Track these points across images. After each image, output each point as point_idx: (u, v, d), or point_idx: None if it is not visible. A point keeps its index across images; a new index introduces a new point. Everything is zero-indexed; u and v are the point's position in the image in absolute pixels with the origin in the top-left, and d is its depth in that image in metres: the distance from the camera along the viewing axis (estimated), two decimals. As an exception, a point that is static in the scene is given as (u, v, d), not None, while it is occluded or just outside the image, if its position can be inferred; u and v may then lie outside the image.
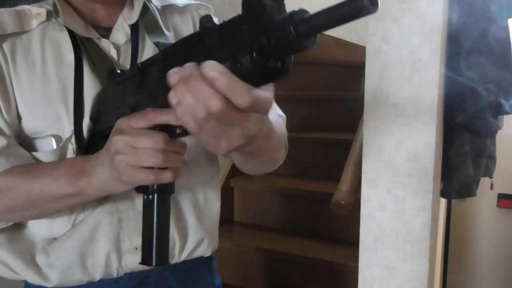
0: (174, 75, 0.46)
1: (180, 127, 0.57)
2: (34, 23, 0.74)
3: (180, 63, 0.49)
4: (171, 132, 0.57)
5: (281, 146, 0.76)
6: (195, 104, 0.43)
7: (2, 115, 0.71)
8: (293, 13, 0.41)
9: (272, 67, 0.43)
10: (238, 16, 0.45)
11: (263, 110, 0.45)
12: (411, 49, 0.89)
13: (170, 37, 0.79)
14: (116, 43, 0.76)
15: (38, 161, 0.72)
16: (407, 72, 0.90)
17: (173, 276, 0.81)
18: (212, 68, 0.42)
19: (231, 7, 1.99)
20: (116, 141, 0.56)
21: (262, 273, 2.02)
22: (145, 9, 0.79)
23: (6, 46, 0.72)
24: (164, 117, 0.54)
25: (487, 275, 2.32)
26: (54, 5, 0.75)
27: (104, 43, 0.75)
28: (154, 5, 0.81)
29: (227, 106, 0.42)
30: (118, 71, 0.67)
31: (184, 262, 0.81)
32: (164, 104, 0.53)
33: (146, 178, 0.57)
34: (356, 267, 1.01)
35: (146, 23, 0.78)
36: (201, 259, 0.85)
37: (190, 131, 0.46)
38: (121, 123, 0.57)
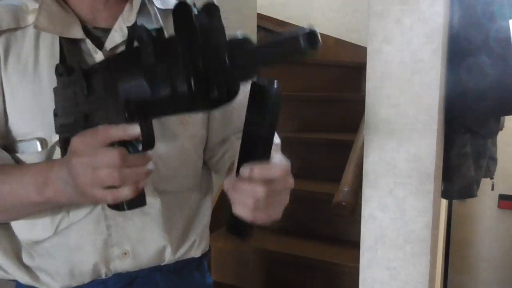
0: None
1: (138, 141, 0.55)
2: (30, 19, 0.70)
3: (120, 82, 0.48)
4: (131, 145, 0.55)
5: None
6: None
7: None
8: (232, 41, 0.40)
9: (213, 97, 0.42)
10: (173, 37, 0.43)
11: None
12: (412, 50, 0.89)
13: None
14: (105, 48, 0.72)
15: (20, 163, 0.70)
16: (408, 73, 0.90)
17: (163, 276, 0.80)
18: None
19: (232, 7, 1.99)
20: (75, 164, 0.55)
21: (262, 273, 2.02)
22: (144, 9, 0.76)
23: (0, 42, 0.69)
24: (116, 134, 0.52)
25: (487, 275, 2.32)
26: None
27: (88, 45, 0.71)
28: (156, 7, 0.78)
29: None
30: (65, 69, 0.64)
31: (174, 263, 0.81)
32: (116, 119, 0.52)
33: (105, 199, 0.55)
34: (357, 268, 1.01)
35: (142, 17, 0.75)
36: (191, 259, 0.84)
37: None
38: (76, 142, 0.55)
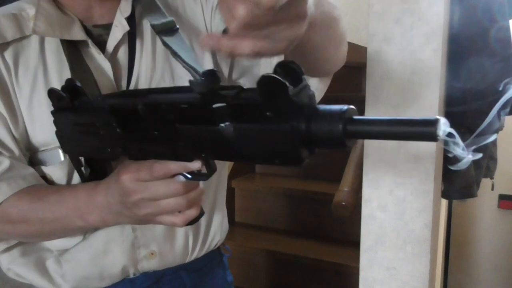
0: None
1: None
2: (33, 25, 0.68)
3: (186, 134, 0.48)
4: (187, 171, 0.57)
5: (337, 35, 0.67)
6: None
7: (10, 132, 0.67)
8: (345, 110, 0.39)
9: (302, 156, 0.42)
10: (256, 103, 0.41)
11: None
12: (412, 50, 0.89)
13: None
14: (108, 49, 0.71)
15: (47, 176, 0.70)
16: (408, 73, 0.90)
17: (188, 274, 0.82)
18: None
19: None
20: (135, 202, 0.57)
21: (263, 273, 2.02)
22: None
23: (8, 55, 0.67)
24: (177, 169, 0.54)
25: (487, 276, 2.31)
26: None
27: (90, 47, 0.70)
28: None
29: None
30: (63, 94, 0.61)
31: (197, 259, 0.82)
32: (167, 156, 0.53)
33: (173, 223, 0.58)
34: (357, 268, 1.01)
35: (144, 7, 0.73)
36: (213, 256, 0.85)
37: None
38: (128, 181, 0.56)
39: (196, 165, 0.53)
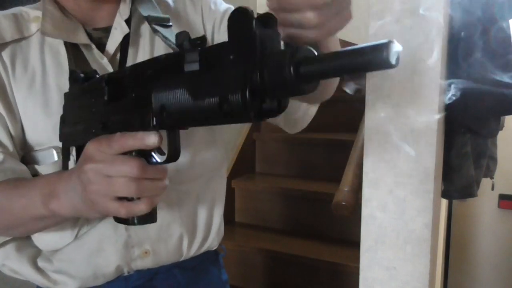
0: None
1: (160, 150, 0.53)
2: (33, 27, 0.70)
3: (155, 88, 0.46)
4: (150, 156, 0.53)
5: None
6: None
7: (7, 129, 0.68)
8: (295, 50, 0.36)
9: (266, 109, 0.40)
10: (224, 44, 0.40)
11: None
12: (412, 50, 0.89)
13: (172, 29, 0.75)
14: (108, 52, 0.71)
15: (39, 175, 0.71)
16: (408, 73, 0.90)
17: (181, 272, 0.82)
18: None
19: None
20: (88, 171, 0.52)
21: (263, 273, 2.02)
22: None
23: (5, 54, 0.68)
24: (132, 143, 0.50)
25: (488, 275, 2.31)
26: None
27: (94, 51, 0.70)
28: None
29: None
30: (81, 75, 0.61)
31: (192, 258, 0.82)
32: (140, 128, 0.50)
33: (117, 211, 0.53)
34: (357, 268, 1.01)
35: (142, 6, 0.73)
36: (208, 255, 0.86)
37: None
38: (91, 148, 0.53)
39: (153, 138, 0.49)
